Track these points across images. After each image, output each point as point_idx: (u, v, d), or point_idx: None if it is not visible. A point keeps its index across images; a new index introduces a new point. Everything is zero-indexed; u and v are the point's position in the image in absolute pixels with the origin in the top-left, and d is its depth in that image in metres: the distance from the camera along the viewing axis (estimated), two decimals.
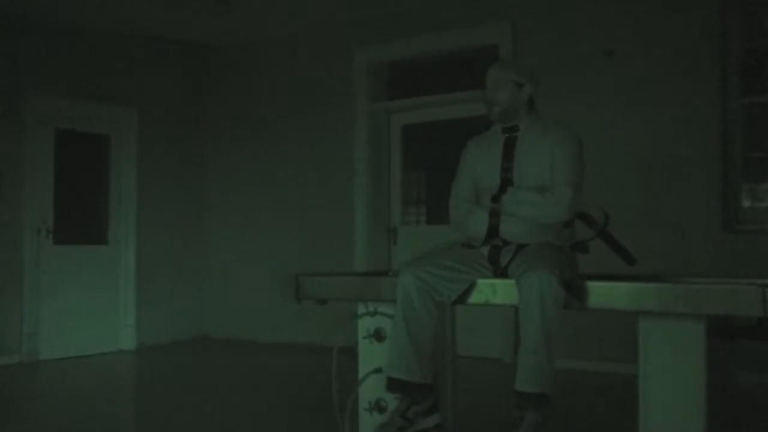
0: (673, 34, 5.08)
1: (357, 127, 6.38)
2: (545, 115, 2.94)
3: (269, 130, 6.91)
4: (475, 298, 2.62)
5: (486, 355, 5.65)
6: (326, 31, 6.56)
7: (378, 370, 2.76)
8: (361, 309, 2.85)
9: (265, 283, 6.74)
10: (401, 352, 2.57)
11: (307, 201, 6.66)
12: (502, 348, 5.58)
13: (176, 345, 6.79)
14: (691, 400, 2.28)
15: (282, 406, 4.31)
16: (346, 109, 6.43)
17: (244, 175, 7.08)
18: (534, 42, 5.54)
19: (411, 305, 2.56)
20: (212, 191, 7.28)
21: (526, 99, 2.84)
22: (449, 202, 2.96)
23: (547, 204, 2.69)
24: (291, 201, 6.77)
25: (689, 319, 2.28)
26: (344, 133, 6.43)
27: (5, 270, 5.79)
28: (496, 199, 2.74)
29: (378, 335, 2.80)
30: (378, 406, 2.78)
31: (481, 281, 2.62)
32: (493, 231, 2.74)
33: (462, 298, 2.63)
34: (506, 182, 2.77)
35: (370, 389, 2.79)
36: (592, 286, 2.41)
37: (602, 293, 2.40)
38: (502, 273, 2.69)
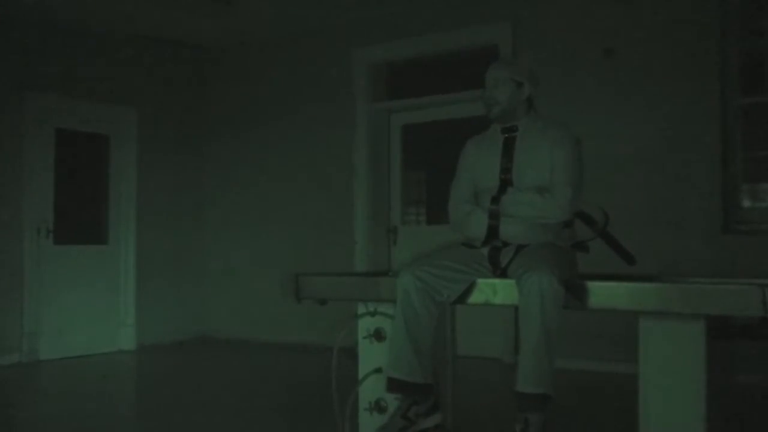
0: (673, 34, 5.08)
1: (357, 127, 6.37)
2: (544, 114, 2.94)
3: (269, 130, 6.90)
4: (475, 298, 2.62)
5: (486, 355, 5.64)
6: (326, 31, 6.56)
7: (378, 370, 2.76)
8: (361, 309, 2.86)
9: (265, 283, 6.74)
10: (401, 352, 2.57)
11: (307, 201, 6.65)
12: (502, 348, 5.58)
13: (176, 345, 6.79)
14: (691, 399, 2.28)
15: (282, 406, 4.31)
16: (346, 109, 6.43)
17: (244, 175, 7.08)
18: (534, 42, 5.54)
19: (411, 305, 2.56)
20: (212, 191, 7.28)
21: (525, 98, 2.85)
22: (449, 202, 2.96)
23: (546, 204, 2.69)
24: (291, 201, 6.76)
25: (689, 319, 2.28)
26: (344, 133, 6.42)
27: (5, 270, 5.78)
28: (495, 200, 2.74)
29: (378, 335, 2.80)
30: (378, 407, 2.78)
31: (481, 281, 2.62)
32: (492, 232, 2.74)
33: (462, 298, 2.63)
34: (505, 183, 2.77)
35: (370, 389, 2.80)
36: (592, 286, 2.41)
37: (602, 293, 2.40)
38: (502, 273, 2.69)
